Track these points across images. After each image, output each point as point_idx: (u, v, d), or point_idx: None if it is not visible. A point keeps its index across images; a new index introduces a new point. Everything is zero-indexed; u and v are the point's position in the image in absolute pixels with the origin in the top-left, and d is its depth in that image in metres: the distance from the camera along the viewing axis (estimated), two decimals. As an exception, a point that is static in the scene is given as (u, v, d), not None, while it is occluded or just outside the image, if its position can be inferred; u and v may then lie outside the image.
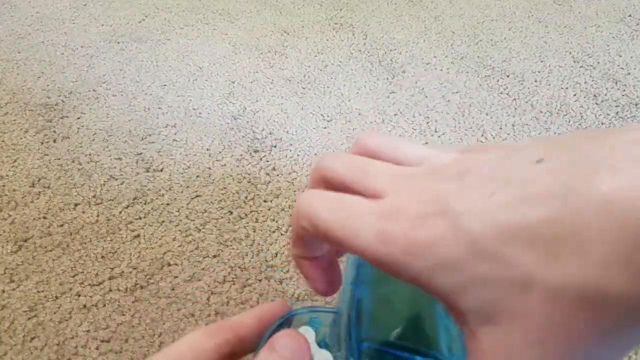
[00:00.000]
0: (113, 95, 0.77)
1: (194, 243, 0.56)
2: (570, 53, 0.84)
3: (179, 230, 0.57)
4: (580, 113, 0.72)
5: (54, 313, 0.50)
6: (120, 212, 0.59)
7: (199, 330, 0.20)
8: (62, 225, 0.58)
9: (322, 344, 0.22)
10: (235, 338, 0.21)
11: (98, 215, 0.59)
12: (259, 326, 0.22)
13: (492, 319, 0.13)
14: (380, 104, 0.75)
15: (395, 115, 0.73)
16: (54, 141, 0.69)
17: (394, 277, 0.25)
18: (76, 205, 0.60)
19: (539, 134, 0.69)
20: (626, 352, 0.13)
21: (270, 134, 0.70)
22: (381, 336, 0.22)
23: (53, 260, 0.54)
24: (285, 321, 0.22)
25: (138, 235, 0.57)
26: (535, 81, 0.79)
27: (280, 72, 0.81)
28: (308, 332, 0.21)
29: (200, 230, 0.57)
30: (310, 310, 0.23)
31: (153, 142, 0.69)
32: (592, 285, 0.11)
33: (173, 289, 0.52)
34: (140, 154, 0.67)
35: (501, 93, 0.76)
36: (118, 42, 0.88)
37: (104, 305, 0.51)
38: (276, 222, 0.58)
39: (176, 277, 0.53)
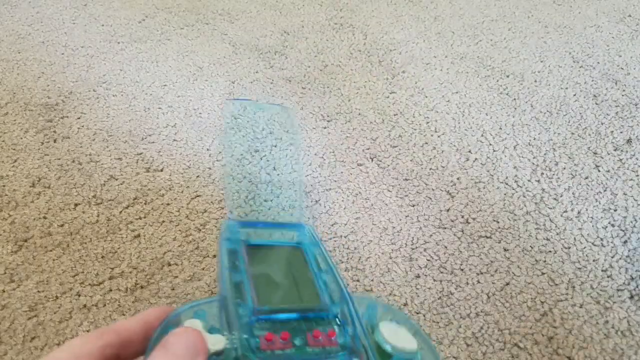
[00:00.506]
0: (113, 95, 0.77)
1: (194, 243, 0.56)
2: (570, 53, 0.84)
3: (179, 230, 0.57)
4: (580, 113, 0.72)
5: (54, 313, 0.50)
6: (121, 212, 0.59)
7: (79, 337, 0.21)
8: (62, 225, 0.58)
9: (212, 330, 0.23)
10: (118, 341, 0.21)
11: (98, 215, 0.59)
12: (145, 329, 0.22)
13: None
14: (380, 104, 0.75)
15: (395, 115, 0.73)
16: (54, 141, 0.69)
17: (266, 258, 0.28)
18: (76, 205, 0.60)
19: (539, 134, 0.69)
20: None
21: (270, 133, 0.70)
22: (268, 306, 0.24)
23: (53, 260, 0.54)
24: (171, 322, 0.23)
25: (138, 235, 0.57)
26: (535, 81, 0.79)
27: (280, 72, 0.82)
28: (194, 324, 0.22)
29: (200, 230, 0.57)
30: (192, 305, 0.24)
31: (153, 142, 0.69)
32: None
33: (173, 289, 0.52)
34: (141, 153, 0.67)
35: (501, 93, 0.76)
36: (118, 42, 0.88)
37: (104, 305, 0.51)
38: (276, 222, 0.58)
39: (176, 277, 0.53)
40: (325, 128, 0.71)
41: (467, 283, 0.53)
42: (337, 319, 0.25)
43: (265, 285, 0.26)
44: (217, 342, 0.22)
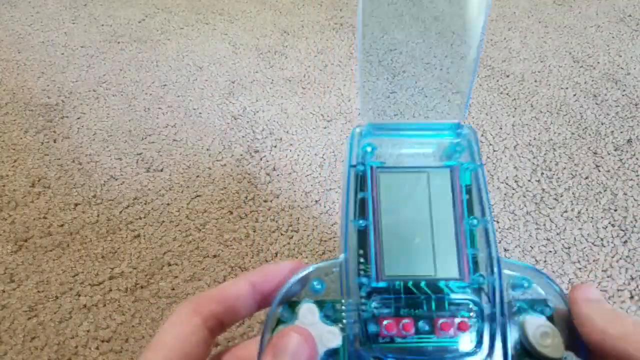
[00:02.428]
0: (113, 95, 0.77)
1: (194, 243, 0.56)
2: (570, 53, 0.84)
3: (179, 230, 0.57)
4: (580, 113, 0.72)
5: (54, 313, 0.50)
6: (121, 212, 0.59)
7: (183, 308, 0.20)
8: (62, 225, 0.58)
9: (328, 315, 0.20)
10: (221, 309, 0.20)
11: (98, 215, 0.59)
12: (252, 292, 0.21)
13: None
14: (380, 104, 0.75)
15: (395, 115, 0.73)
16: (54, 141, 0.69)
17: (402, 191, 0.22)
18: (76, 205, 0.60)
19: (539, 134, 0.69)
20: None
21: (271, 134, 0.70)
22: (392, 277, 0.20)
23: (53, 260, 0.54)
24: (289, 293, 0.20)
25: (138, 235, 0.57)
26: (535, 81, 0.79)
27: (280, 72, 0.81)
28: (310, 309, 0.20)
29: (200, 230, 0.57)
30: (314, 270, 0.21)
31: (153, 142, 0.69)
32: None
33: (173, 289, 0.52)
34: (141, 153, 0.67)
35: (501, 93, 0.76)
36: (118, 42, 0.88)
37: (104, 305, 0.51)
38: (276, 222, 0.58)
39: (176, 277, 0.53)
40: (325, 128, 0.71)
41: (467, 283, 0.53)
42: (475, 302, 0.20)
43: (393, 240, 0.21)
44: (331, 334, 0.19)
